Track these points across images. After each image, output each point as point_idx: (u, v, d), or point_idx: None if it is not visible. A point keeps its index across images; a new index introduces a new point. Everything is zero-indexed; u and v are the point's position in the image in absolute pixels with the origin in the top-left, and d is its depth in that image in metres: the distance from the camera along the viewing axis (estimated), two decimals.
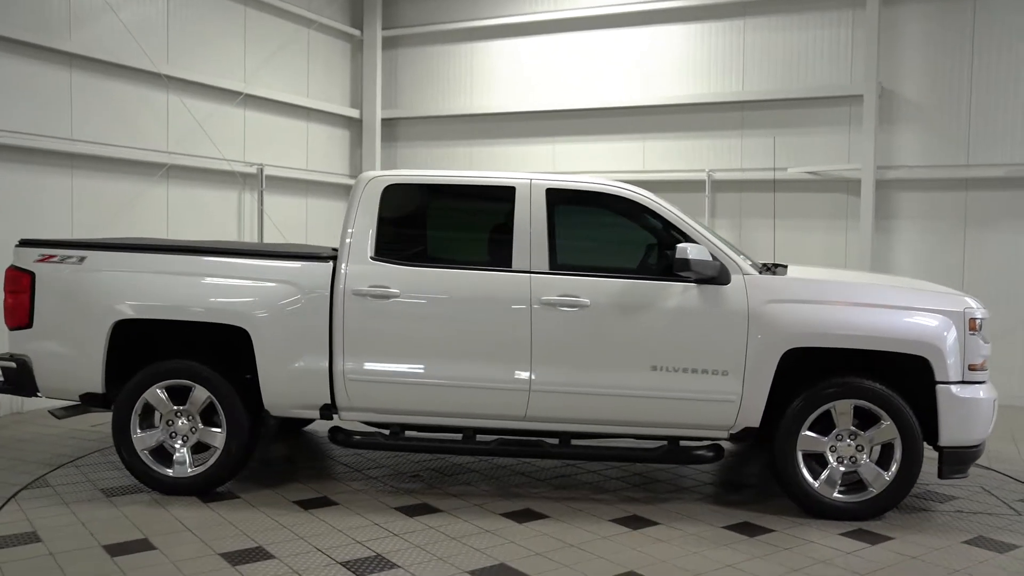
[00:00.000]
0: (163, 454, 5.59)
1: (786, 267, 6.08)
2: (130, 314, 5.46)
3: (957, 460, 5.49)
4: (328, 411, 5.53)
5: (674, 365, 5.39)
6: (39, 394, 5.67)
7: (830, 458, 5.50)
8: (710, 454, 5.59)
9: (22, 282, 5.56)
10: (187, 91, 10.25)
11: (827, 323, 5.42)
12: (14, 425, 7.80)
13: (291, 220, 11.90)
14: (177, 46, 10.20)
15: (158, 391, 5.52)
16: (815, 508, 5.50)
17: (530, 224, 5.50)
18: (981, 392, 5.45)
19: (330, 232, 12.74)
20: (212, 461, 5.54)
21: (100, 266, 5.53)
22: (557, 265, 5.48)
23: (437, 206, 5.97)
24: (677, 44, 11.42)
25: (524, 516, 5.35)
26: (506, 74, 12.43)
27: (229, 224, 11.10)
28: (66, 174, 8.97)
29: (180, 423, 5.54)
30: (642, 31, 11.59)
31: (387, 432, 5.62)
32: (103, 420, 7.54)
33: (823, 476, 5.50)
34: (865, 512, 5.48)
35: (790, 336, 5.36)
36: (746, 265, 5.56)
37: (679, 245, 5.33)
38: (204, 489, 5.56)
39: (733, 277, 5.44)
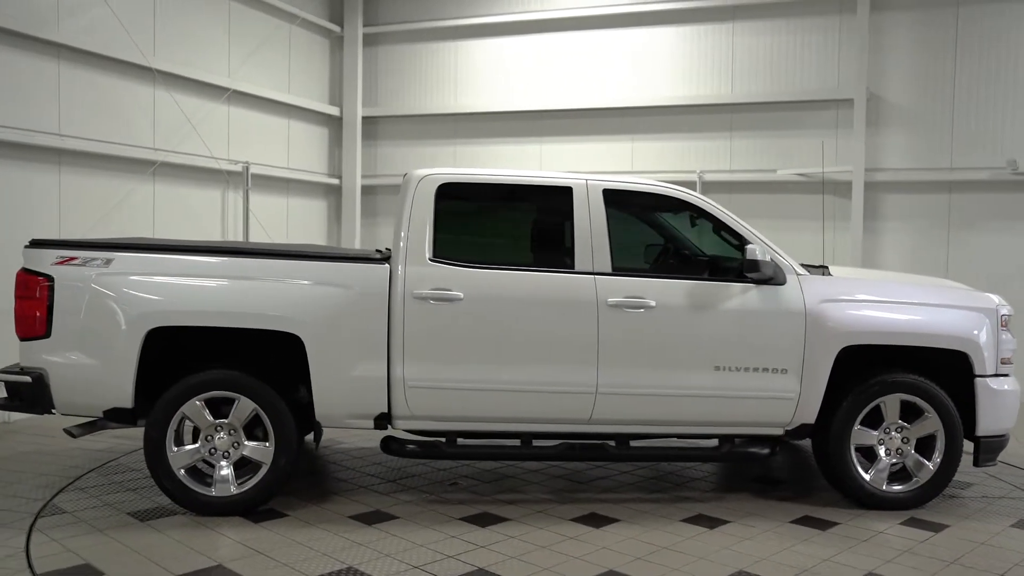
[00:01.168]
0: (195, 472, 5.20)
1: (826, 267, 6.17)
2: (169, 321, 5.02)
3: (991, 449, 5.78)
4: (383, 420, 5.28)
5: (736, 364, 5.46)
6: (54, 411, 5.14)
7: (879, 451, 5.68)
8: (765, 451, 5.68)
9: (38, 287, 4.99)
10: (174, 86, 9.87)
11: (880, 321, 5.64)
12: (6, 436, 7.38)
13: (272, 220, 11.57)
14: (163, 40, 9.81)
15: (198, 404, 5.10)
16: (868, 500, 5.66)
17: (590, 225, 5.44)
18: (1008, 384, 5.77)
19: (309, 233, 12.47)
20: (259, 478, 5.17)
21: (131, 269, 5.04)
22: (618, 266, 5.44)
23: (492, 206, 5.82)
24: (666, 46, 11.51)
25: (596, 520, 5.29)
26: (492, 73, 12.34)
27: (213, 223, 10.73)
28: (53, 171, 8.54)
29: (219, 438, 5.16)
30: (631, 32, 11.64)
31: (444, 440, 5.46)
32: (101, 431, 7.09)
33: (874, 468, 5.67)
34: (912, 502, 5.69)
35: (846, 334, 5.52)
36: (798, 266, 5.65)
37: (748, 246, 5.44)
38: (249, 508, 5.20)
39: (788, 278, 5.56)
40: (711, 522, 5.35)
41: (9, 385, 5.14)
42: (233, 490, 5.16)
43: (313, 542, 4.81)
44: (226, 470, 5.15)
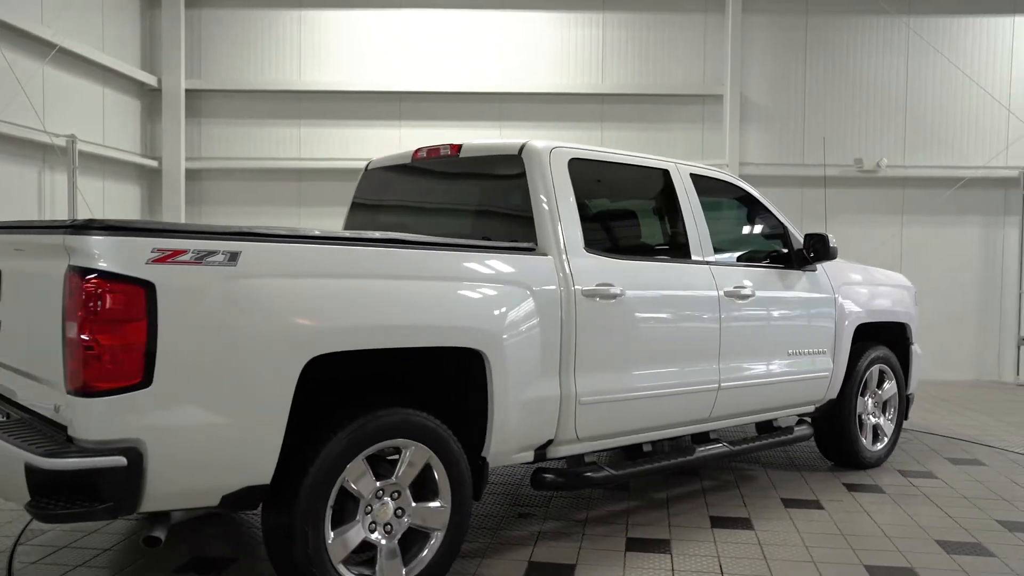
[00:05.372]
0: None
1: None
2: (339, 344, 3.28)
3: (911, 403, 6.74)
4: (543, 450, 4.18)
5: (801, 348, 5.53)
6: (137, 512, 2.96)
7: (865, 417, 6.20)
8: (809, 432, 5.84)
9: (129, 302, 2.84)
10: None
11: (880, 301, 6.28)
12: None
13: (89, 206, 9.47)
14: None
15: (363, 464, 3.42)
16: (863, 462, 6.14)
17: (692, 211, 5.01)
18: (921, 350, 6.79)
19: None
20: (433, 551, 3.62)
21: (270, 268, 3.16)
22: (719, 256, 5.10)
23: (612, 188, 5.01)
24: (537, 32, 11.17)
25: (736, 524, 4.83)
26: (343, 49, 11.18)
27: (28, 211, 8.56)
28: None
29: (380, 507, 3.52)
30: (501, 15, 11.14)
31: (592, 463, 4.50)
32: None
33: (866, 433, 6.19)
34: (883, 458, 6.30)
35: (861, 314, 5.95)
36: None
37: (829, 234, 5.54)
38: None
39: (816, 264, 5.73)
40: (809, 504, 5.32)
41: (76, 476, 2.76)
42: (404, 574, 3.60)
43: None
44: (392, 548, 3.54)
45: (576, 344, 4.11)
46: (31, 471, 2.73)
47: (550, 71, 11.18)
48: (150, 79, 10.76)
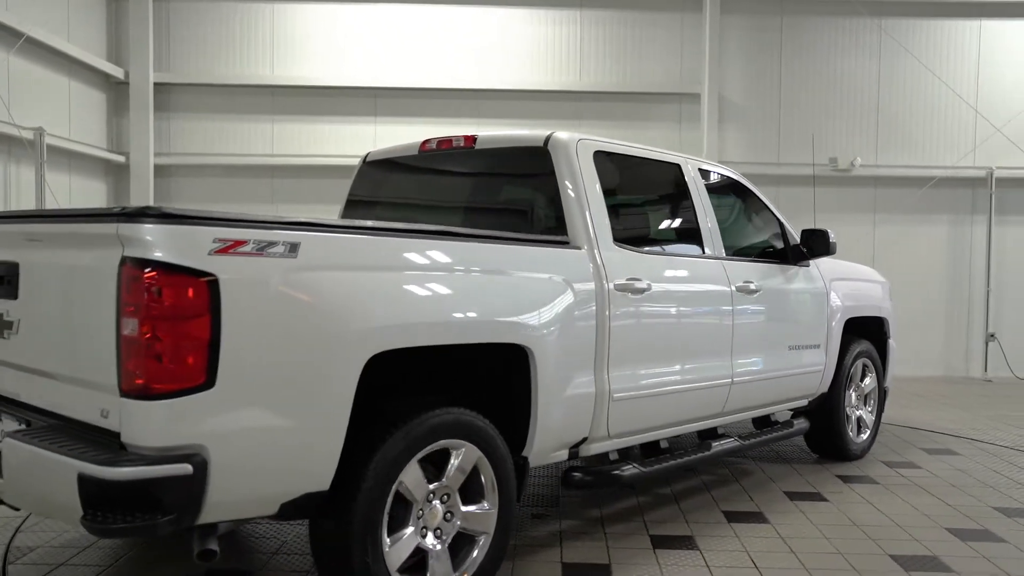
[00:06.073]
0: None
1: None
2: (400, 341, 3.13)
3: (887, 396, 6.87)
4: (576, 448, 4.08)
5: (800, 343, 5.59)
6: (197, 522, 2.72)
7: (849, 410, 6.28)
8: (806, 425, 5.90)
9: (192, 296, 2.61)
10: None
11: (864, 297, 6.37)
12: None
13: (57, 201, 9.13)
14: None
15: (417, 466, 3.26)
16: (851, 454, 6.26)
17: (703, 206, 4.99)
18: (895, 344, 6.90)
19: None
20: (481, 554, 3.47)
21: (329, 261, 2.97)
22: (727, 251, 5.09)
23: (631, 181, 4.92)
24: (515, 29, 11.09)
25: (750, 518, 4.81)
26: (319, 43, 10.96)
27: None
28: None
29: (430, 511, 3.36)
30: (479, 11, 11.03)
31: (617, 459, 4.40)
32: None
33: (851, 426, 6.30)
34: (866, 449, 6.43)
35: (849, 309, 6.02)
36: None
37: (828, 230, 5.60)
38: None
39: (810, 260, 5.78)
40: (812, 496, 5.35)
41: (137, 486, 2.53)
42: None
43: None
44: (444, 554, 3.39)
45: (609, 339, 4.04)
46: (86, 482, 2.51)
47: (528, 68, 11.11)
48: (117, 71, 10.42)
